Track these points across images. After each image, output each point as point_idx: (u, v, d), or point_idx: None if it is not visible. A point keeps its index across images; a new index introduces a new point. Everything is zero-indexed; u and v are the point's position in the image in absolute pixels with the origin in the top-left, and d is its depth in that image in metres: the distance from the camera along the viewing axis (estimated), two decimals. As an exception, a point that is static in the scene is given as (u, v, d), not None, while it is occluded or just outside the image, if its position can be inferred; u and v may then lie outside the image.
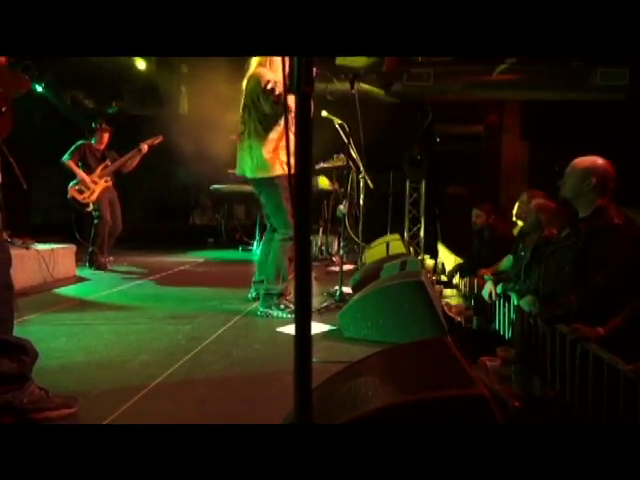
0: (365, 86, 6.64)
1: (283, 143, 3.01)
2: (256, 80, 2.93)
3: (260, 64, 2.99)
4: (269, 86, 2.84)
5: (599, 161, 2.27)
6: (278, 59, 2.94)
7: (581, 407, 1.92)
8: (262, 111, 2.95)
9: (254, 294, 3.42)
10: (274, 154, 3.00)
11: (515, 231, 3.78)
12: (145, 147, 4.77)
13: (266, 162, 2.98)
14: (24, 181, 1.30)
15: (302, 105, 0.64)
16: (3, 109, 1.31)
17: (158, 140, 4.84)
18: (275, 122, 2.98)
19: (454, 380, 1.04)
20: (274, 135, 3.00)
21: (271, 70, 2.96)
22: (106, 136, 4.91)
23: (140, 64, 6.44)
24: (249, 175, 3.09)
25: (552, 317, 2.16)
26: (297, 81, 0.64)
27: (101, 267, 4.76)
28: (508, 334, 3.06)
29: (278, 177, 3.01)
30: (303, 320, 0.73)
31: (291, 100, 0.70)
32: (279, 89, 2.82)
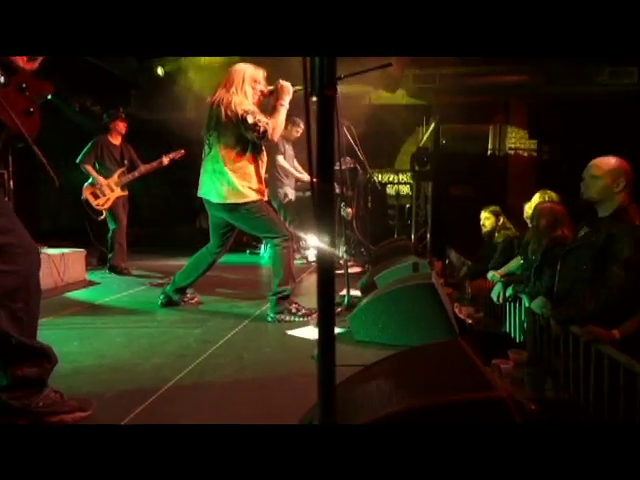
0: (370, 88, 6.65)
1: (251, 169, 3.01)
2: (231, 109, 2.87)
3: (232, 93, 2.92)
4: (260, 130, 2.85)
5: (625, 162, 2.26)
6: (247, 85, 2.95)
7: (597, 410, 1.91)
8: (235, 137, 2.93)
9: (164, 299, 3.36)
10: (245, 180, 2.99)
11: (526, 233, 3.76)
12: (166, 160, 4.74)
13: (238, 188, 2.96)
14: (57, 179, 1.32)
15: (324, 108, 0.64)
16: (31, 109, 1.34)
17: (180, 154, 4.79)
18: (247, 148, 2.98)
19: (472, 383, 1.03)
20: (244, 161, 2.99)
21: (245, 97, 2.94)
22: (122, 126, 4.84)
23: (159, 70, 6.52)
24: (216, 200, 3.02)
25: (566, 318, 2.14)
26: (319, 83, 0.64)
27: (123, 272, 4.73)
28: (519, 337, 3.04)
29: (253, 202, 3.01)
30: (326, 322, 0.72)
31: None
32: (263, 127, 2.86)
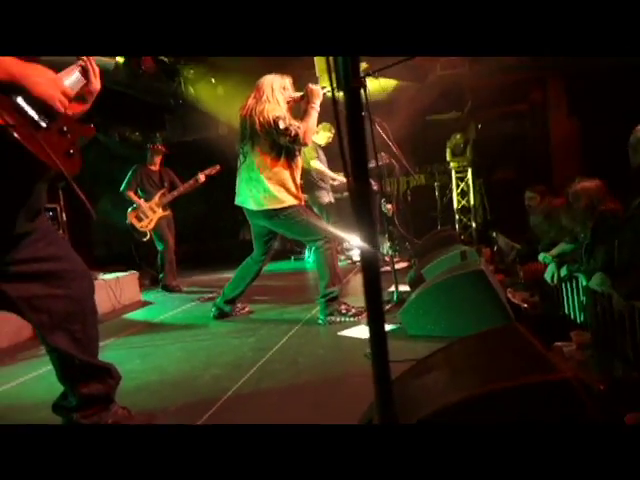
0: (395, 82, 6.56)
1: (286, 175, 3.04)
2: (264, 116, 2.93)
3: (263, 101, 2.98)
4: (292, 133, 2.91)
5: None
6: (277, 93, 3.00)
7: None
8: (269, 144, 2.98)
9: (216, 312, 3.45)
10: (281, 185, 3.02)
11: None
12: (202, 177, 4.87)
13: (275, 193, 3.00)
14: (93, 212, 1.40)
15: (351, 100, 0.64)
16: (71, 151, 1.42)
17: (215, 170, 4.92)
18: (281, 154, 3.02)
19: (534, 366, 1.00)
20: (279, 167, 3.03)
21: (277, 104, 2.98)
22: (159, 157, 5.07)
23: (190, 89, 6.74)
24: (254, 207, 3.07)
25: (630, 292, 2.03)
26: (344, 76, 0.64)
27: (175, 290, 4.92)
28: (580, 317, 2.91)
29: (291, 207, 3.04)
30: (376, 321, 0.72)
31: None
32: (295, 130, 2.90)
